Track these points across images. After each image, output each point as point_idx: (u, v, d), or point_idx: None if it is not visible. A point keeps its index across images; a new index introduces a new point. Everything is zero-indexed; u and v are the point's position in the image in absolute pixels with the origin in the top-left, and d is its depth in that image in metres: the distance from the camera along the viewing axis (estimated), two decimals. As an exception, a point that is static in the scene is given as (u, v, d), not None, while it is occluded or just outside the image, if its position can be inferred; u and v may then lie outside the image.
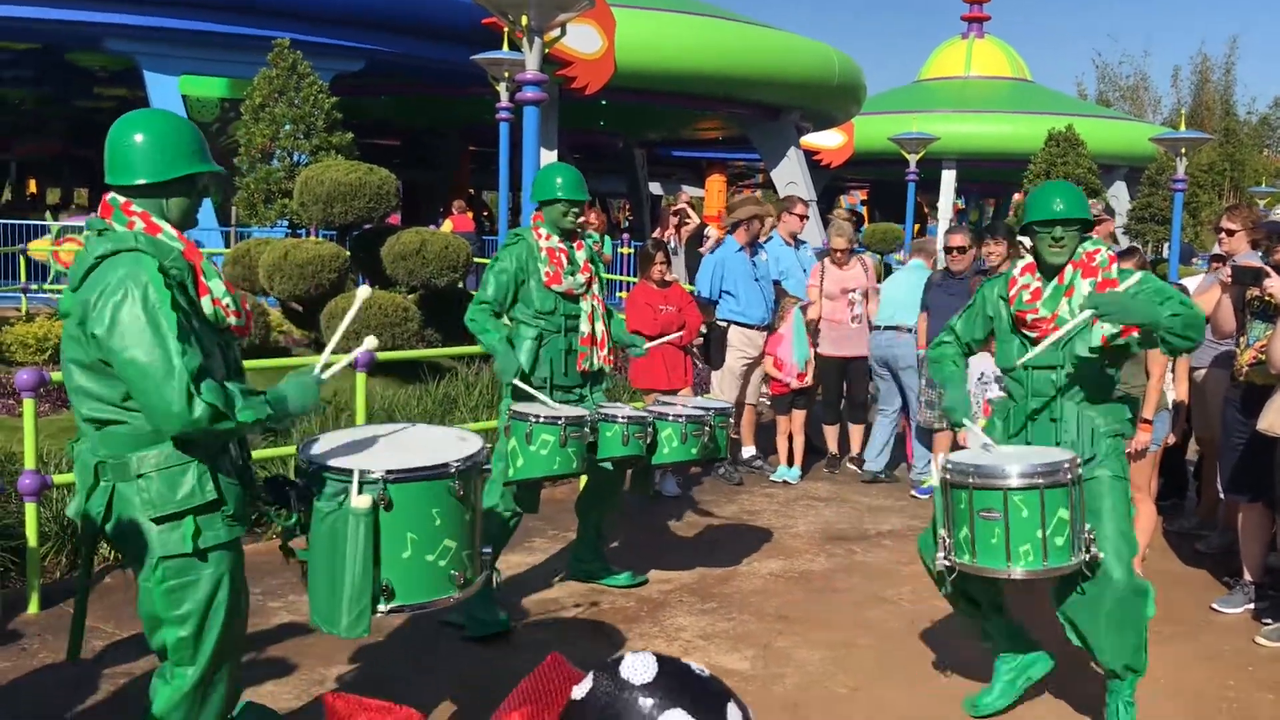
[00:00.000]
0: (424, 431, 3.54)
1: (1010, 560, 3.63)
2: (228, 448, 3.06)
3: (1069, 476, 3.64)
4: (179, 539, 2.90)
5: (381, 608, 3.01)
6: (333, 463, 3.04)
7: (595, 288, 5.23)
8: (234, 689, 3.22)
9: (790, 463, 8.09)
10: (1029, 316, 3.96)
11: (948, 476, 3.73)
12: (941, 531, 3.80)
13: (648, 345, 5.69)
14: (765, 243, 8.41)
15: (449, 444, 3.30)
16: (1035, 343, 3.93)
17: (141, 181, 2.95)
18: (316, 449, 3.17)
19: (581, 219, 5.28)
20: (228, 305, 3.04)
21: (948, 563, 3.79)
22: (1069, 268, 3.93)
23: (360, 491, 2.93)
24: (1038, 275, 4.00)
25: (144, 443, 2.90)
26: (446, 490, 3.06)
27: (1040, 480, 3.60)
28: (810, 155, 27.27)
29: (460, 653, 4.69)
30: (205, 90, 17.65)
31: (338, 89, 13.34)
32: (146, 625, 3.04)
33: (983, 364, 6.46)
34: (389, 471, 2.98)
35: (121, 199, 2.97)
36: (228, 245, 14.63)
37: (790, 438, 8.11)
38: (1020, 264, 4.09)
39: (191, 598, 2.95)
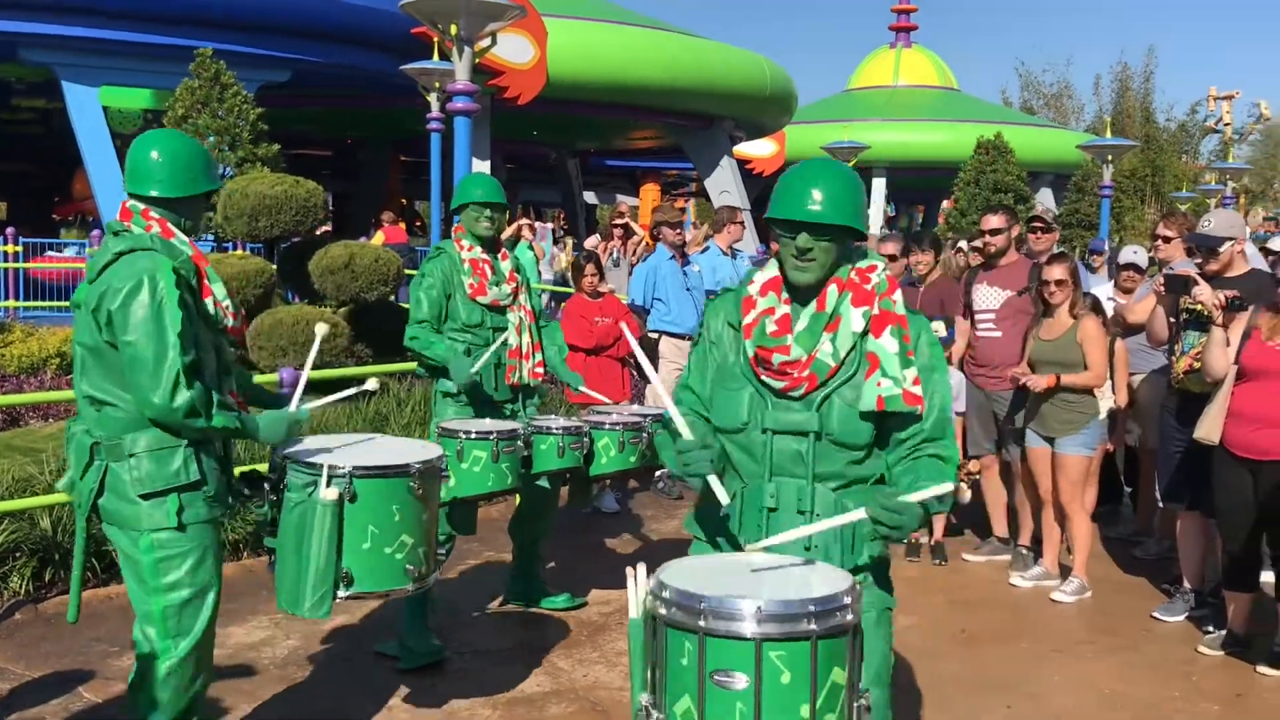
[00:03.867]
0: (388, 440, 3.85)
1: None
2: (212, 438, 3.32)
3: (851, 616, 2.21)
4: (164, 514, 3.20)
5: (341, 593, 3.28)
6: (305, 458, 3.32)
7: (523, 298, 5.10)
8: (209, 675, 3.44)
9: None
10: (775, 358, 2.64)
11: (660, 609, 2.22)
12: (643, 698, 2.30)
13: (582, 389, 5.58)
14: (701, 253, 8.34)
15: (412, 450, 3.62)
16: (781, 395, 2.65)
17: (155, 194, 3.29)
18: (289, 448, 3.42)
19: (513, 229, 5.15)
20: (227, 307, 3.38)
21: None
22: (832, 289, 2.67)
23: (329, 484, 3.23)
24: (785, 296, 2.72)
25: (138, 426, 3.19)
26: (406, 488, 3.35)
27: (814, 625, 2.14)
28: (743, 164, 27.37)
29: (394, 685, 4.52)
30: (127, 102, 17.19)
31: (264, 100, 13.06)
32: (135, 605, 3.29)
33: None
34: (355, 467, 3.28)
35: (141, 206, 3.30)
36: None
37: None
38: (759, 276, 2.79)
39: (179, 568, 3.24)
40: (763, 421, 2.66)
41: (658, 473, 7.66)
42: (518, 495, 5.40)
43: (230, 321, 3.39)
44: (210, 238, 11.32)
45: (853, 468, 2.66)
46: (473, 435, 4.51)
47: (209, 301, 3.31)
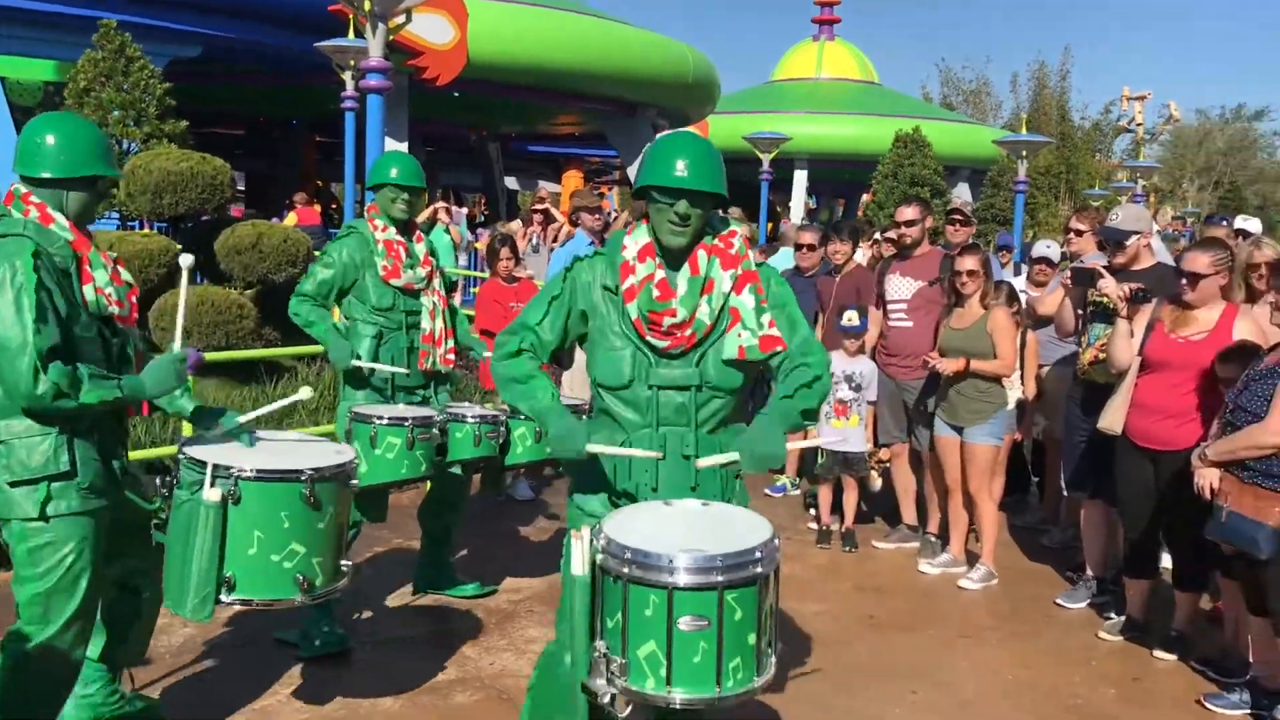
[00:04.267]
0: (309, 443, 3.74)
1: (720, 682, 2.51)
2: (94, 427, 3.27)
3: (778, 556, 2.62)
4: (31, 504, 3.17)
5: (224, 598, 3.21)
6: (195, 454, 3.25)
7: (436, 282, 4.99)
8: (77, 662, 3.35)
9: None
10: (665, 320, 2.90)
11: (622, 569, 2.51)
12: (599, 645, 2.58)
13: (488, 355, 5.49)
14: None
15: (318, 453, 3.49)
16: (663, 354, 2.92)
17: (46, 175, 3.25)
18: (195, 444, 3.37)
19: (429, 212, 5.03)
20: (110, 294, 3.30)
21: (614, 690, 2.56)
22: (702, 254, 2.95)
23: (213, 485, 3.16)
24: (659, 261, 2.95)
25: (9, 413, 3.15)
26: (298, 495, 3.23)
27: (760, 569, 2.52)
28: (666, 153, 27.29)
29: (295, 674, 4.40)
30: (27, 73, 16.55)
31: (174, 75, 12.66)
32: (13, 584, 3.27)
33: (833, 362, 6.44)
34: (242, 469, 3.20)
35: (24, 189, 3.27)
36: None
37: None
38: (633, 242, 2.98)
39: (48, 560, 3.20)
40: (648, 378, 2.94)
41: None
42: (428, 482, 5.31)
43: (115, 309, 3.32)
44: (115, 215, 10.97)
45: (726, 410, 2.99)
46: (386, 421, 4.41)
47: (89, 288, 3.26)
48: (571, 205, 7.96)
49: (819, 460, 6.55)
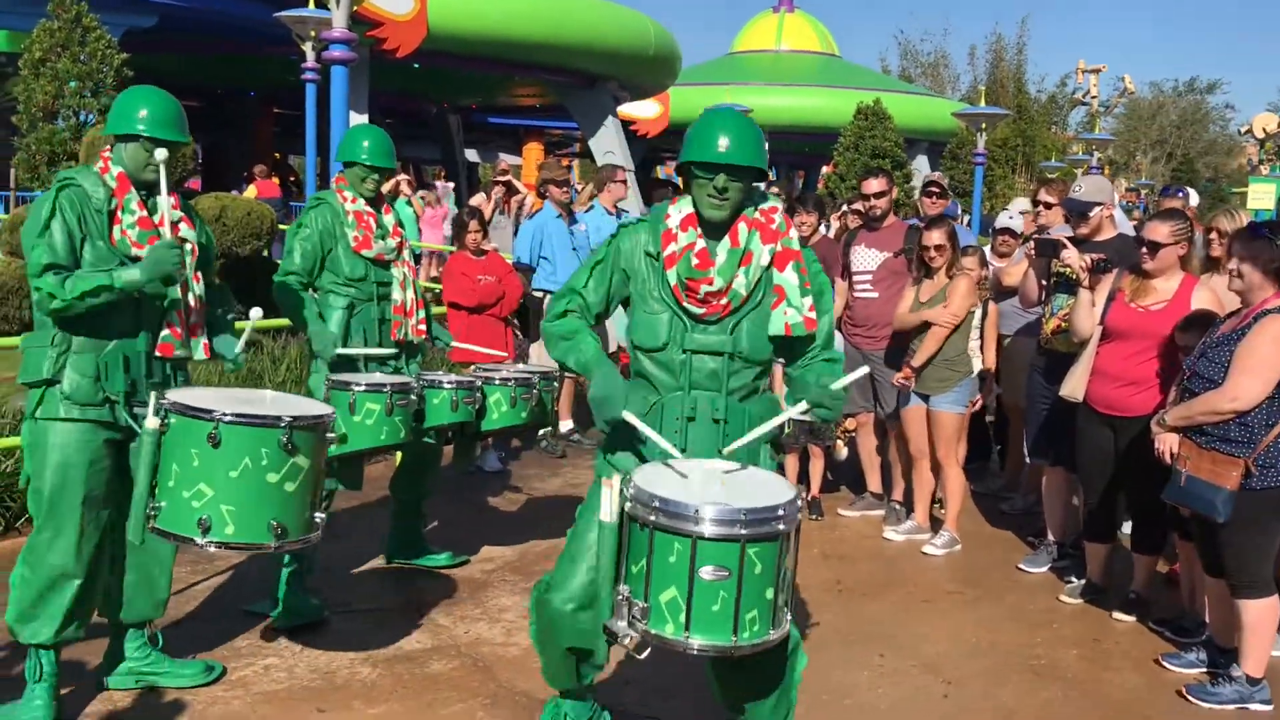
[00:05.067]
0: (282, 397, 3.89)
1: (737, 632, 2.62)
2: (110, 350, 3.61)
3: (799, 516, 2.73)
4: (30, 404, 3.62)
5: (199, 540, 3.31)
6: (169, 392, 3.47)
7: (406, 254, 5.00)
8: (80, 597, 3.64)
9: None
10: (702, 288, 3.05)
11: (650, 516, 2.61)
12: (622, 589, 2.68)
13: (455, 345, 5.59)
14: (587, 213, 8.29)
15: (266, 403, 3.61)
16: (699, 320, 3.08)
17: (108, 133, 3.75)
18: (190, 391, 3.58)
19: (391, 184, 5.01)
20: (132, 236, 3.64)
21: (636, 634, 2.66)
22: (742, 226, 3.09)
23: (155, 414, 3.35)
24: (700, 231, 3.10)
25: (37, 325, 3.64)
26: (205, 435, 3.28)
27: (782, 526, 2.64)
28: (627, 125, 27.26)
29: (269, 645, 4.42)
30: (-21, 42, 16.24)
31: (129, 45, 12.49)
32: None
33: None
34: (173, 402, 3.35)
35: (106, 147, 3.78)
36: (5, 211, 13.54)
37: None
38: (676, 212, 3.15)
39: (39, 457, 3.60)
40: (683, 342, 3.09)
41: (541, 431, 7.64)
42: (399, 452, 5.32)
43: (135, 251, 3.64)
44: (184, 201, 10.80)
45: (755, 380, 3.15)
46: (364, 388, 4.42)
47: (117, 229, 3.64)
48: (540, 178, 7.96)
49: (784, 430, 6.61)
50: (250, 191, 16.88)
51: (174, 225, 3.72)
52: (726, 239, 3.09)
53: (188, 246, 3.74)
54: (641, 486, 2.68)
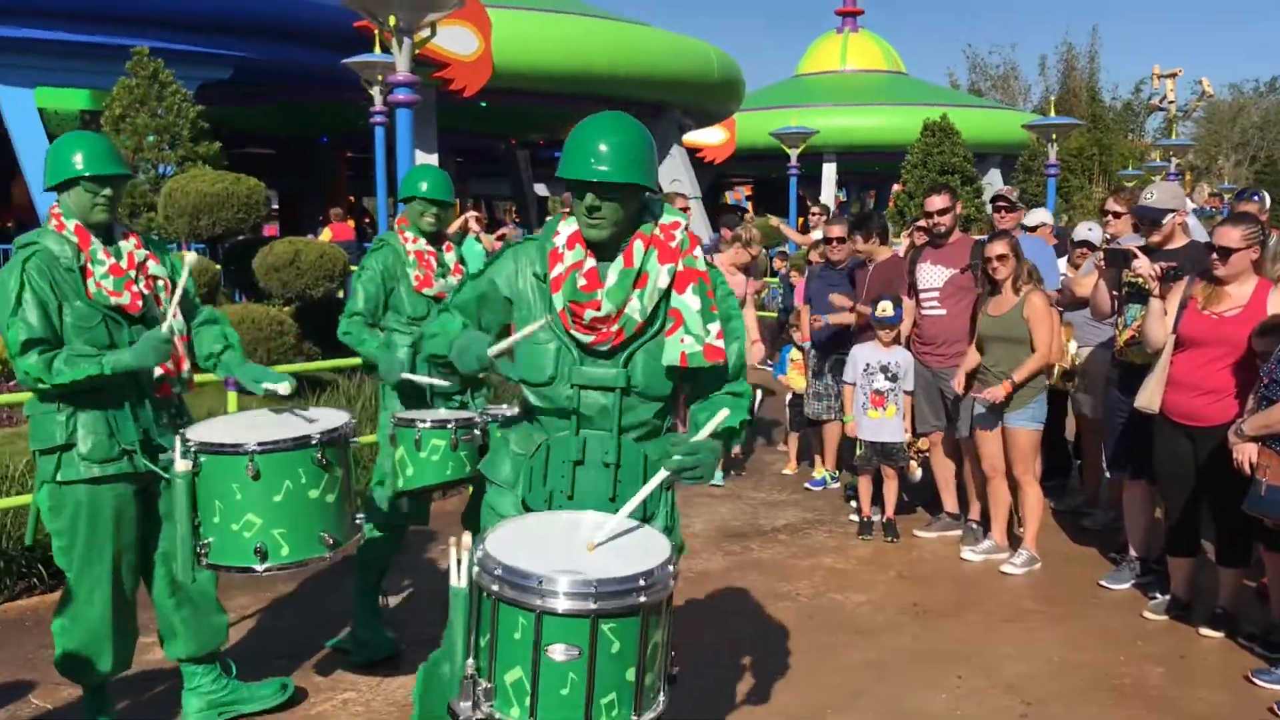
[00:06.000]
0: (310, 412, 3.81)
1: (590, 718, 2.30)
2: (106, 402, 3.63)
3: (672, 584, 2.40)
4: (47, 469, 3.66)
5: (204, 562, 3.38)
6: (189, 431, 3.47)
7: None
8: (124, 635, 3.80)
9: None
10: (587, 313, 2.68)
11: (493, 586, 2.30)
12: (469, 665, 2.38)
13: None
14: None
15: (292, 425, 3.56)
16: (587, 350, 2.73)
17: (48, 188, 3.66)
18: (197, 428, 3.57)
19: (460, 223, 5.10)
20: (107, 286, 3.62)
21: (478, 715, 2.35)
22: (638, 245, 2.72)
23: (183, 456, 3.35)
24: (589, 249, 2.75)
25: (38, 394, 3.65)
26: (242, 468, 3.31)
27: (643, 598, 2.30)
28: (693, 153, 27.40)
29: (347, 679, 4.49)
30: (64, 103, 16.87)
31: (205, 98, 12.90)
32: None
33: (868, 353, 6.47)
34: (200, 442, 3.35)
35: (54, 204, 3.70)
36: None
37: None
38: (563, 229, 2.81)
39: (60, 518, 3.68)
40: (570, 376, 2.73)
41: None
42: (471, 486, 5.38)
43: (114, 300, 3.63)
44: (154, 238, 11.16)
45: (654, 418, 2.79)
46: (429, 424, 4.49)
47: (91, 282, 3.61)
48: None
49: (857, 452, 6.58)
50: (325, 235, 17.24)
51: (141, 265, 3.74)
52: (620, 259, 2.71)
53: (160, 283, 3.80)
54: (489, 550, 2.35)
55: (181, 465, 3.34)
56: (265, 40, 16.73)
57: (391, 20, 7.57)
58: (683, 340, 2.70)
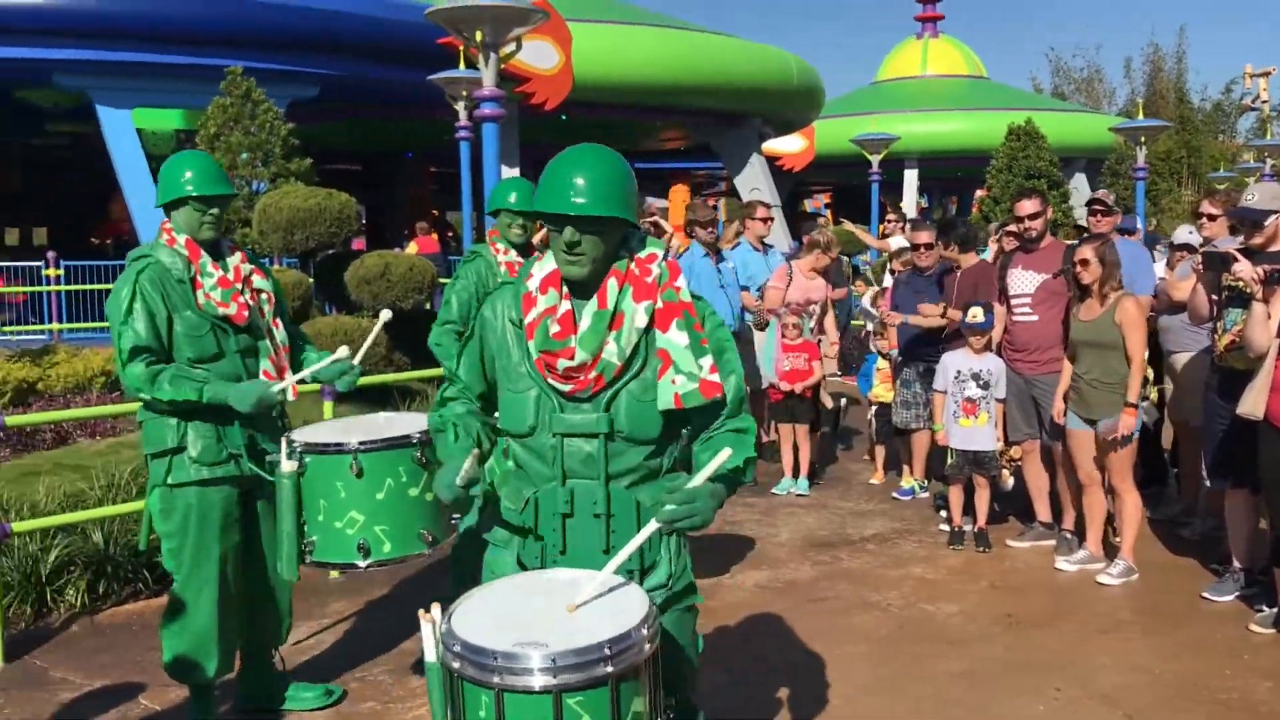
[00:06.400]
0: (405, 417, 4.03)
1: None
2: (212, 412, 3.79)
3: (647, 648, 2.20)
4: (158, 473, 3.84)
5: (308, 559, 3.50)
6: (294, 434, 3.62)
7: None
8: (229, 636, 3.96)
9: (795, 475, 7.87)
10: (560, 363, 2.52)
11: (454, 663, 2.17)
12: None
13: None
14: (733, 249, 8.35)
15: (384, 426, 3.70)
16: (567, 397, 2.55)
17: (159, 205, 3.90)
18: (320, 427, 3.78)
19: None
20: (216, 297, 3.82)
21: None
22: (611, 283, 2.55)
23: (289, 457, 3.48)
24: (565, 290, 2.58)
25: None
26: (346, 466, 3.42)
27: (610, 668, 2.12)
28: (773, 161, 27.32)
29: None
30: (160, 123, 17.43)
31: (294, 115, 13.20)
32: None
33: (959, 360, 6.40)
34: (305, 443, 3.48)
35: (164, 219, 3.90)
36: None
37: (796, 449, 7.82)
38: (538, 270, 2.63)
39: (170, 520, 3.85)
40: (551, 425, 2.56)
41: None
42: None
43: (220, 310, 3.84)
44: (248, 252, 11.47)
45: (647, 461, 2.60)
46: None
47: (200, 294, 3.82)
48: (686, 219, 8.06)
49: (949, 461, 6.51)
50: (411, 248, 17.53)
51: (247, 279, 3.95)
52: (594, 299, 2.55)
53: (264, 295, 4.01)
54: (451, 626, 2.21)
55: (288, 466, 3.47)
56: (352, 58, 17.09)
57: (478, 35, 7.69)
58: (674, 380, 2.54)
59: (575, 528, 2.58)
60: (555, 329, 2.53)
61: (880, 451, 8.15)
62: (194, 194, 3.80)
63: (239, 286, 3.92)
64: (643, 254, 2.61)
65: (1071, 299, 5.97)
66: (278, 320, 4.06)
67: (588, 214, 2.44)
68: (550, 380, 2.55)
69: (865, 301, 9.52)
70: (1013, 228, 6.79)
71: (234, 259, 3.96)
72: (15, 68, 15.66)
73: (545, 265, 2.61)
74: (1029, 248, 6.41)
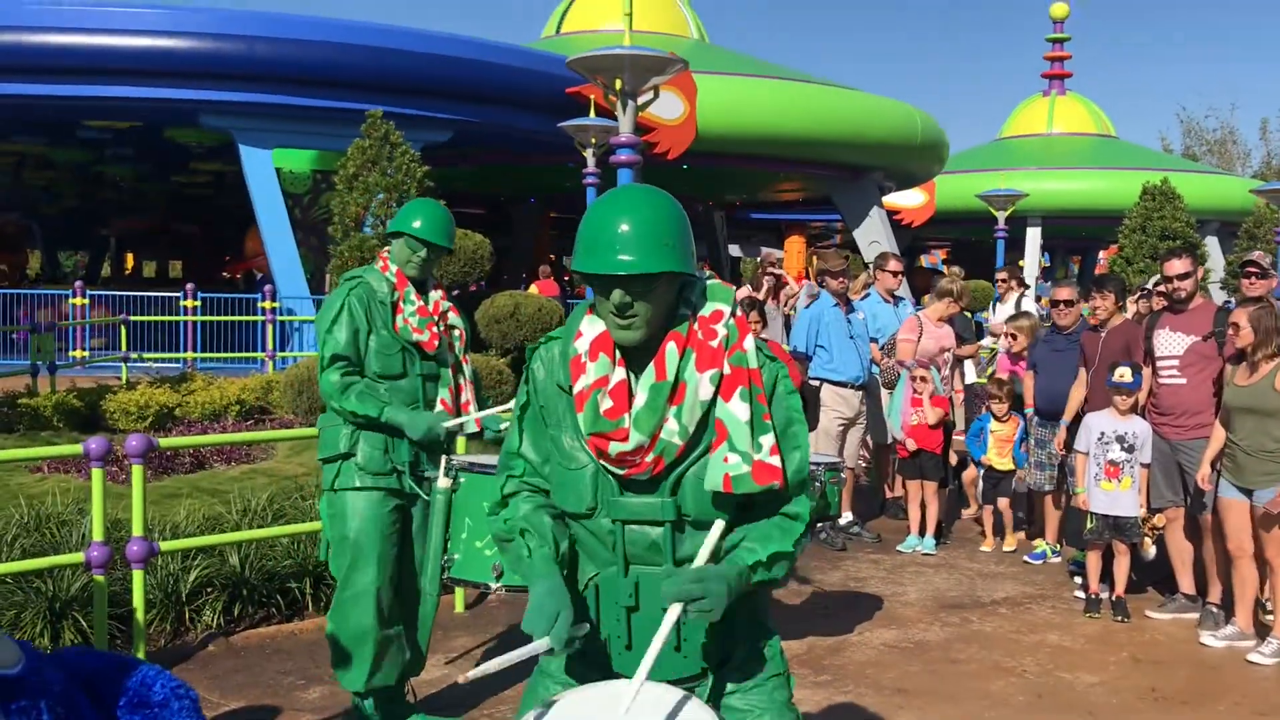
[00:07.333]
0: None
1: None
2: (393, 430, 4.07)
3: None
4: (328, 477, 4.12)
5: (446, 574, 3.71)
6: (454, 456, 3.90)
7: None
8: (397, 646, 4.14)
9: (922, 532, 7.70)
10: (612, 447, 2.19)
11: None
12: None
13: None
14: (863, 300, 8.28)
15: None
16: (623, 481, 2.22)
17: (385, 231, 4.31)
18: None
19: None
20: (413, 323, 4.13)
21: None
22: (670, 348, 2.20)
23: (445, 474, 3.77)
24: (618, 357, 2.23)
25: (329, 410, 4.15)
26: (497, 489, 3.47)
27: None
28: (891, 215, 27.10)
29: None
30: (297, 163, 18.04)
31: (426, 159, 13.53)
32: None
33: (1103, 421, 6.20)
34: (465, 462, 3.75)
35: (384, 248, 4.31)
36: (319, 313, 14.79)
37: (923, 506, 7.66)
38: (587, 330, 2.27)
39: (337, 524, 4.09)
40: (610, 510, 2.25)
41: (820, 523, 7.55)
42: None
43: (415, 336, 4.14)
44: (449, 291, 11.78)
45: (721, 544, 2.24)
46: None
47: (400, 318, 4.13)
48: (816, 269, 8.03)
49: (1088, 525, 6.29)
50: (532, 290, 17.79)
51: (443, 314, 4.26)
52: (651, 369, 2.20)
53: (456, 331, 4.32)
54: None
55: (443, 482, 3.71)
56: (484, 105, 17.52)
57: (618, 84, 7.82)
58: (726, 459, 2.18)
59: (640, 621, 2.25)
60: (607, 404, 2.19)
61: (989, 516, 7.81)
62: (412, 233, 4.12)
63: (434, 318, 4.21)
64: (706, 311, 2.25)
65: (1225, 363, 5.75)
66: (466, 357, 4.38)
67: (636, 272, 2.12)
68: (603, 462, 2.24)
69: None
70: (1163, 287, 6.58)
71: (435, 294, 4.28)
72: (166, 108, 16.43)
73: (596, 324, 2.26)
74: (1177, 308, 6.21)
